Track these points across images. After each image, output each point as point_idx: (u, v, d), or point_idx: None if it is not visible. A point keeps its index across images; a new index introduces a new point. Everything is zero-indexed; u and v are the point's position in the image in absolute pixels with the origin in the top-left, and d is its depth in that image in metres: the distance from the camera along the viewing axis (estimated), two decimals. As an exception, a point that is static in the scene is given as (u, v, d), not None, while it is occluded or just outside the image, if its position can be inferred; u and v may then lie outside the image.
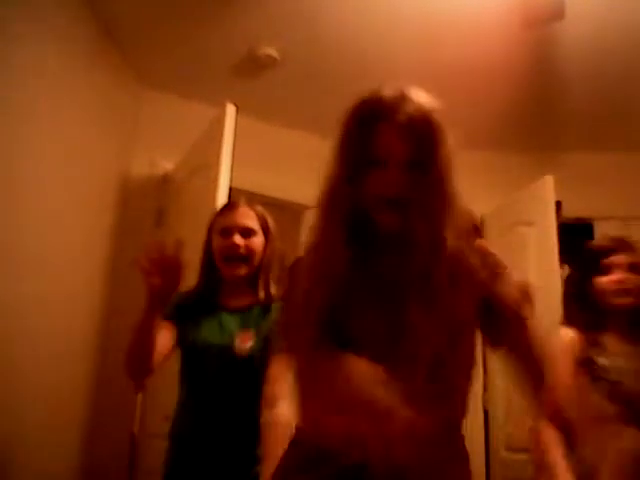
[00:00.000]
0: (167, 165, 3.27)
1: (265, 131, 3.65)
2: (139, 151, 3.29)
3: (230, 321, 1.78)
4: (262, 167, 3.52)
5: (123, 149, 3.21)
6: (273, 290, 1.81)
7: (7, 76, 2.13)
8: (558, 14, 2.38)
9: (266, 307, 1.78)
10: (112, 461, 2.85)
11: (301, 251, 1.26)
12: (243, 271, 1.80)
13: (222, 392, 1.72)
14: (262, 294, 1.80)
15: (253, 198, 3.52)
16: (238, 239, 1.79)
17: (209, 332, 1.77)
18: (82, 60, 2.71)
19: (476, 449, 3.43)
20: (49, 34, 2.40)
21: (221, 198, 2.45)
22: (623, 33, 2.71)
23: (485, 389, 3.53)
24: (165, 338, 1.75)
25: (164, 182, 3.29)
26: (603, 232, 3.73)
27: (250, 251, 1.80)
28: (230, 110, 2.56)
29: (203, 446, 1.68)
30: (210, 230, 1.88)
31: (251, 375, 1.66)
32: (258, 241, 1.83)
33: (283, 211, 3.87)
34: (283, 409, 1.55)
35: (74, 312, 2.70)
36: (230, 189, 2.51)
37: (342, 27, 2.81)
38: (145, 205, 3.25)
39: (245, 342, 1.72)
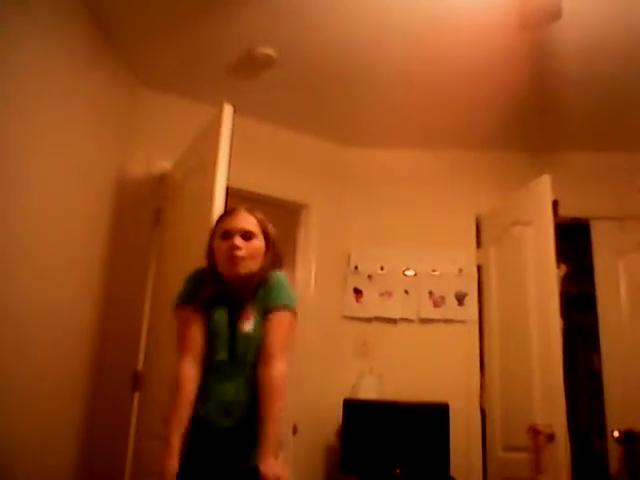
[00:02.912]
0: (164, 164, 3.26)
1: (262, 130, 3.65)
2: (136, 150, 3.29)
3: (234, 308, 1.88)
4: (259, 166, 3.53)
5: (120, 148, 3.21)
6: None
7: (5, 76, 2.12)
8: (555, 15, 2.37)
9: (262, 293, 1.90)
10: (110, 461, 2.85)
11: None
12: (243, 270, 1.86)
13: (229, 370, 1.83)
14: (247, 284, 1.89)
15: (250, 197, 3.56)
16: (238, 240, 1.86)
17: (219, 317, 1.87)
18: (79, 60, 2.71)
19: (473, 449, 3.44)
20: (47, 34, 2.40)
21: (219, 197, 2.45)
22: (620, 33, 2.71)
23: (482, 389, 3.54)
24: (200, 332, 1.87)
25: (161, 181, 3.28)
26: (600, 232, 3.75)
27: (250, 252, 1.87)
28: (227, 110, 2.56)
29: (213, 428, 1.79)
30: (211, 235, 1.95)
31: (251, 350, 1.82)
32: (258, 244, 1.90)
33: (280, 210, 3.88)
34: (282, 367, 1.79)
35: (72, 311, 2.70)
36: (227, 188, 2.51)
37: (340, 27, 2.81)
38: (142, 204, 3.24)
39: (247, 319, 1.84)
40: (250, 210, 1.96)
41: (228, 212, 1.99)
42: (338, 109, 3.58)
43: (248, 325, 1.84)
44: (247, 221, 1.91)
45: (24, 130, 2.25)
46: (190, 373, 1.81)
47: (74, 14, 2.64)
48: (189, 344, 1.84)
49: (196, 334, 1.85)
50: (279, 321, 1.84)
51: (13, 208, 2.20)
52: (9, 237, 2.18)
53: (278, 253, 1.97)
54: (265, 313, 1.84)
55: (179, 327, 1.90)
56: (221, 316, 1.88)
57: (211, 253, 1.93)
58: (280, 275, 1.93)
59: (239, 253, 1.85)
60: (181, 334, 1.88)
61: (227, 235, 1.88)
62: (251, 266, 1.87)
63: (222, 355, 1.84)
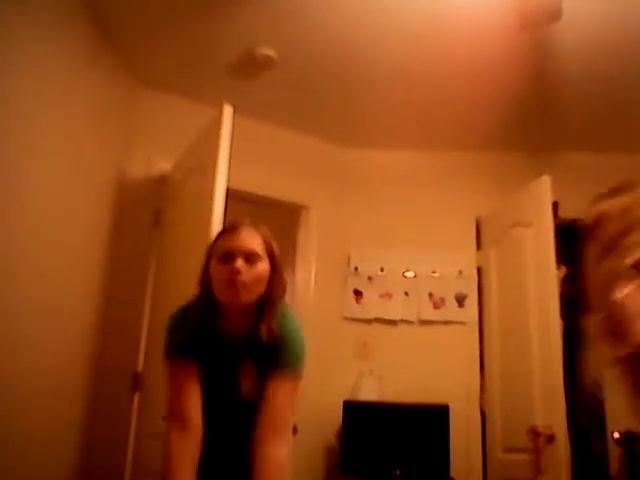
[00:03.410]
0: (164, 165, 3.26)
1: (262, 131, 3.65)
2: (136, 151, 3.29)
3: (232, 355, 1.64)
4: (259, 167, 3.53)
5: (121, 148, 3.21)
6: (276, 328, 1.60)
7: (5, 76, 2.12)
8: (555, 14, 2.38)
9: (270, 346, 1.59)
10: (110, 461, 2.85)
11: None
12: (245, 300, 1.59)
13: (227, 431, 1.64)
14: (264, 332, 1.58)
15: (250, 198, 3.55)
16: (240, 264, 1.57)
17: (216, 368, 1.63)
18: (79, 60, 2.71)
19: (473, 450, 3.43)
20: (47, 34, 2.40)
21: (219, 198, 2.45)
22: (620, 33, 2.71)
23: (482, 391, 3.53)
24: (195, 393, 1.61)
25: (161, 182, 3.28)
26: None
27: (254, 278, 1.59)
28: (227, 110, 2.56)
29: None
30: (208, 255, 1.66)
31: (252, 415, 1.58)
32: (263, 267, 1.62)
33: (280, 211, 3.89)
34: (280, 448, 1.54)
35: (72, 312, 2.70)
36: (227, 189, 2.51)
37: (340, 28, 2.81)
38: (142, 205, 3.24)
39: (247, 381, 1.61)
40: (254, 226, 1.68)
41: (228, 228, 1.70)
42: (338, 109, 3.58)
43: (250, 386, 1.60)
44: (251, 240, 1.62)
45: (24, 130, 2.25)
46: (181, 448, 1.52)
47: (74, 14, 2.64)
48: (179, 410, 1.57)
49: (189, 396, 1.58)
50: (289, 389, 1.58)
51: (13, 208, 2.20)
52: (9, 237, 2.18)
53: (283, 277, 1.69)
54: (273, 369, 1.58)
55: (169, 385, 1.62)
56: (215, 368, 1.62)
57: (206, 277, 1.63)
58: (295, 325, 1.66)
59: (241, 278, 1.56)
60: (170, 395, 1.61)
61: (228, 257, 1.58)
62: (254, 293, 1.60)
63: (217, 422, 1.60)
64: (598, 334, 1.80)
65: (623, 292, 1.68)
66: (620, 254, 1.75)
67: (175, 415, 1.58)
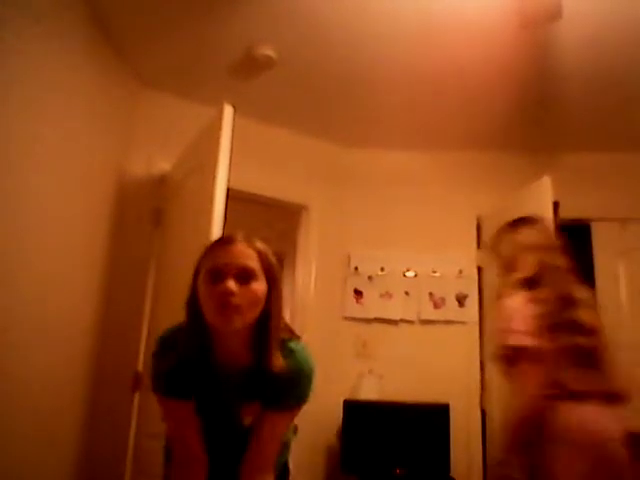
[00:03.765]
0: (164, 165, 3.26)
1: (263, 131, 3.65)
2: (136, 151, 3.29)
3: (231, 390, 1.51)
4: (260, 167, 3.53)
5: (121, 149, 3.21)
6: (277, 360, 1.46)
7: (5, 76, 2.12)
8: (556, 14, 2.38)
9: (281, 380, 1.47)
10: (110, 461, 2.85)
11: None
12: (238, 325, 1.41)
13: (227, 459, 1.54)
14: (276, 364, 1.45)
15: (250, 198, 3.55)
16: (232, 285, 1.38)
17: (213, 406, 1.53)
18: (79, 60, 2.71)
19: (474, 449, 3.43)
20: (47, 34, 2.40)
21: (219, 198, 2.45)
22: (621, 32, 2.71)
23: (483, 390, 3.53)
24: (196, 424, 1.51)
25: (162, 182, 3.28)
26: (600, 233, 3.75)
27: (249, 299, 1.41)
28: (228, 110, 2.56)
29: None
30: (196, 272, 1.46)
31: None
32: (259, 287, 1.43)
33: (280, 211, 3.88)
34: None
35: (73, 312, 2.70)
36: (228, 189, 2.50)
37: (340, 27, 2.81)
38: (143, 205, 3.24)
39: (250, 415, 1.52)
40: (248, 239, 1.48)
41: (219, 242, 1.50)
42: (338, 110, 3.58)
43: (252, 420, 1.51)
44: (245, 256, 1.43)
45: (24, 131, 2.25)
46: None
47: (74, 15, 2.64)
48: (182, 451, 1.49)
49: (189, 432, 1.49)
50: (291, 420, 1.56)
51: (13, 208, 2.20)
52: (8, 238, 2.17)
53: (281, 295, 1.50)
54: (279, 404, 1.50)
55: (164, 420, 1.53)
56: (211, 402, 1.51)
57: (195, 297, 1.44)
58: (310, 360, 1.58)
59: (234, 301, 1.37)
60: (168, 431, 1.54)
61: (218, 276, 1.40)
62: (249, 317, 1.42)
63: (216, 450, 1.52)
64: (490, 334, 2.12)
65: (511, 301, 2.01)
66: (512, 271, 2.15)
67: (177, 454, 1.50)
